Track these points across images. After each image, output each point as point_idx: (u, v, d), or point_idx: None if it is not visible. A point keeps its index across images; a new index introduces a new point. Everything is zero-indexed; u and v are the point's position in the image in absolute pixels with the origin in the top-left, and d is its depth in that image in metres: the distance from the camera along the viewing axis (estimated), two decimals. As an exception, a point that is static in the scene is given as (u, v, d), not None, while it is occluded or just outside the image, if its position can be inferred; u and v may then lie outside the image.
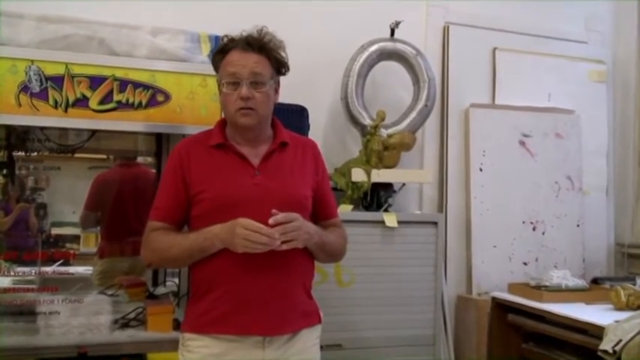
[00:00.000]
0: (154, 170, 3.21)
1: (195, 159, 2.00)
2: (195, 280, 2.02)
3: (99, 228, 3.26)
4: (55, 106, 2.40)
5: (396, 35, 3.42)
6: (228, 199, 1.92)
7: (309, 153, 2.11)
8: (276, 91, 2.06)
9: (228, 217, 1.87)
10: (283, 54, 2.04)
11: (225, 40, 2.03)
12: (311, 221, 2.01)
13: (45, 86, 2.39)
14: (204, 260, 1.94)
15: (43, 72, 2.38)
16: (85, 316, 2.45)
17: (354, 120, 3.35)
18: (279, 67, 2.05)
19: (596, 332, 2.69)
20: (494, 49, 3.85)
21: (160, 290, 2.97)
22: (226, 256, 1.89)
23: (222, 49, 2.01)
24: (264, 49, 1.99)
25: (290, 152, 2.05)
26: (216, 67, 2.05)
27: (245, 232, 1.80)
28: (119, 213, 3.20)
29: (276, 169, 1.99)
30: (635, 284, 3.14)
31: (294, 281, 1.98)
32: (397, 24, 3.40)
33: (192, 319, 2.00)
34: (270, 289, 1.91)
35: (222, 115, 2.11)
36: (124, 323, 2.54)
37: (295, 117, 3.09)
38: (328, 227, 2.12)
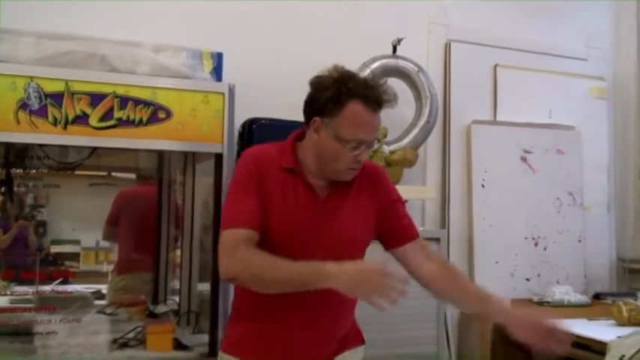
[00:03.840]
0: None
1: (267, 174, 1.85)
2: (240, 298, 1.94)
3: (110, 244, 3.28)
4: (55, 123, 2.38)
5: (398, 52, 3.43)
6: (289, 230, 1.83)
7: (375, 182, 2.00)
8: None
9: (287, 247, 1.78)
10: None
11: (338, 75, 1.82)
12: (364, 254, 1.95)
13: (44, 103, 2.38)
14: None
15: (42, 89, 2.37)
16: (83, 335, 2.43)
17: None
18: None
19: (599, 348, 2.68)
20: (496, 65, 3.86)
21: (161, 309, 2.95)
22: None
23: (339, 96, 1.79)
24: (383, 107, 1.84)
25: (356, 187, 1.93)
26: (326, 110, 1.81)
27: (384, 281, 1.60)
28: (140, 229, 3.21)
29: (340, 205, 1.89)
30: (637, 299, 3.14)
31: (348, 316, 1.95)
32: (399, 41, 3.41)
33: (232, 340, 1.94)
34: (321, 326, 1.87)
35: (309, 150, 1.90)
36: (122, 343, 2.51)
37: (297, 134, 3.08)
38: (416, 253, 1.98)
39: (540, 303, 3.30)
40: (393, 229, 1.99)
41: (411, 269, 1.99)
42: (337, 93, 1.79)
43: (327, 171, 1.87)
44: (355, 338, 2.02)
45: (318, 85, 1.85)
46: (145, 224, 3.29)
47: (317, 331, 1.88)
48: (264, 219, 1.82)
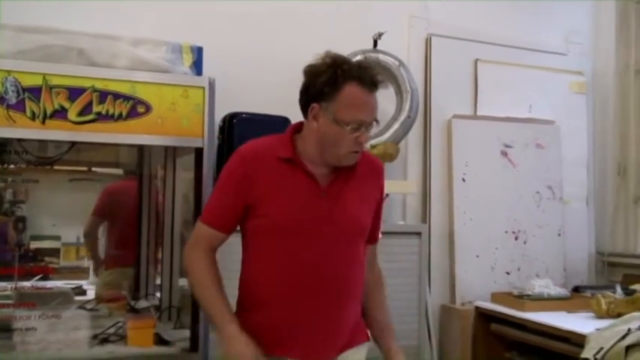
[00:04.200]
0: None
1: (261, 169, 1.88)
2: (245, 290, 1.94)
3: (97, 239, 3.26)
4: (33, 117, 2.36)
5: (379, 47, 3.43)
6: (290, 219, 1.85)
7: (376, 175, 2.03)
8: None
9: (289, 236, 1.83)
10: None
11: (332, 61, 1.85)
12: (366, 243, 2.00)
13: (22, 97, 2.35)
14: (259, 272, 1.90)
15: (20, 83, 2.34)
16: (63, 331, 2.41)
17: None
18: None
19: (578, 340, 2.70)
20: (476, 60, 3.87)
21: (142, 304, 2.94)
22: (284, 274, 1.85)
23: (336, 80, 1.82)
24: (378, 87, 1.88)
25: (358, 173, 1.94)
26: (323, 95, 1.84)
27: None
28: (125, 224, 3.20)
29: (343, 191, 1.90)
30: (615, 292, 3.16)
31: (352, 305, 1.94)
32: (380, 35, 3.42)
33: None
34: (324, 314, 1.86)
35: (310, 137, 1.92)
36: (103, 338, 2.50)
37: (279, 127, 3.05)
38: (368, 255, 2.04)
39: (520, 296, 3.33)
40: (373, 226, 2.02)
41: None
42: (333, 76, 1.82)
43: (329, 157, 1.88)
44: (362, 334, 2.02)
45: (313, 71, 1.87)
46: (129, 219, 3.28)
47: (326, 320, 1.87)
48: (242, 215, 1.89)
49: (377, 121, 1.90)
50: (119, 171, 3.38)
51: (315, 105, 1.85)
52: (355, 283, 1.93)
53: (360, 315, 2.02)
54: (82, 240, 3.30)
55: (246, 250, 1.95)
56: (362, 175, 1.95)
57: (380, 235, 2.11)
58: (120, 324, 2.56)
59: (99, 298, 2.94)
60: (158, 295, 3.06)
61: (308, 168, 1.89)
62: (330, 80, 1.82)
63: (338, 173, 1.91)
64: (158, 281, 3.15)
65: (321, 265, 1.85)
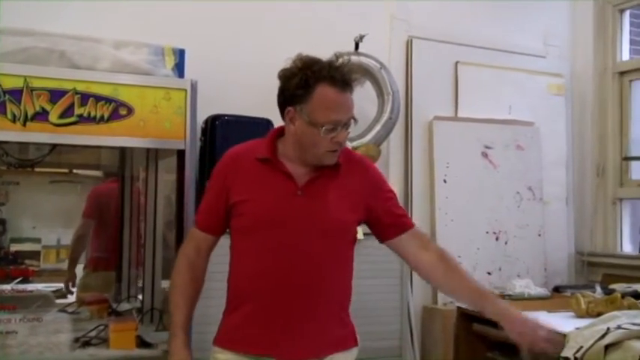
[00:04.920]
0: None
1: (240, 170, 1.93)
2: (229, 293, 1.97)
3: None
4: (14, 120, 2.35)
5: (361, 49, 3.44)
6: (266, 217, 1.88)
7: (363, 173, 2.02)
8: None
9: (266, 235, 1.86)
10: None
11: (302, 63, 1.87)
12: (353, 244, 2.00)
13: (3, 100, 2.34)
14: (238, 274, 1.93)
15: (0, 85, 2.33)
16: (44, 334, 2.39)
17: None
18: None
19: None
20: (457, 62, 3.90)
21: (124, 307, 2.93)
22: (259, 273, 1.88)
23: (307, 81, 1.84)
24: (353, 84, 1.89)
25: (342, 173, 1.95)
26: (296, 98, 1.86)
27: None
28: (111, 226, 3.20)
29: (322, 191, 1.91)
30: (594, 292, 3.19)
31: (329, 306, 1.93)
32: (361, 38, 3.43)
33: (221, 333, 1.96)
34: (299, 313, 1.87)
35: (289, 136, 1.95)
36: (85, 342, 2.49)
37: (261, 129, 3.07)
38: (412, 244, 2.02)
39: (502, 296, 3.34)
40: (386, 221, 2.01)
41: (408, 260, 2.06)
42: (304, 79, 1.83)
43: (309, 158, 1.90)
44: (349, 339, 2.01)
45: (285, 75, 1.89)
46: (112, 221, 3.28)
47: (301, 319, 1.87)
48: (226, 216, 1.94)
49: (355, 120, 1.91)
50: (100, 173, 3.37)
51: (290, 108, 1.88)
52: (333, 282, 1.93)
53: (349, 317, 2.01)
54: (62, 242, 3.28)
55: (230, 251, 1.98)
56: (346, 173, 1.96)
57: (411, 222, 2.06)
58: (102, 327, 2.54)
59: (80, 301, 2.93)
60: (140, 297, 3.05)
61: (286, 167, 1.91)
62: (302, 83, 1.84)
63: (318, 172, 1.92)
64: (140, 283, 3.14)
65: (295, 263, 1.86)
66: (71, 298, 3.08)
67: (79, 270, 3.25)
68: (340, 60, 1.91)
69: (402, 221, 2.04)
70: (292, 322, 1.87)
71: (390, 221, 2.01)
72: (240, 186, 1.91)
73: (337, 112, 1.84)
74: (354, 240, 2.01)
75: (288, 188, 1.89)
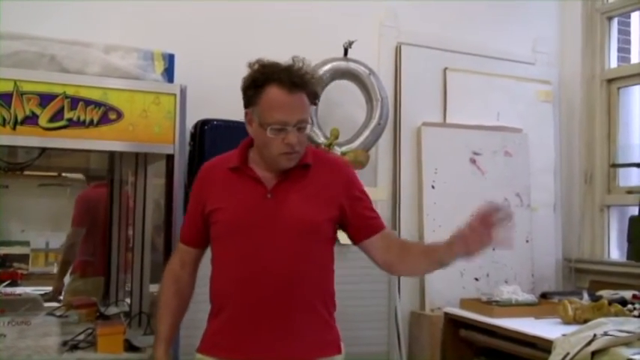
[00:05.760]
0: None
1: (214, 181, 2.00)
2: (210, 300, 2.00)
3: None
4: (3, 123, 2.35)
5: (349, 55, 3.46)
6: (237, 222, 1.91)
7: (336, 173, 2.03)
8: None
9: (239, 239, 1.90)
10: (318, 87, 2.01)
11: (257, 66, 1.92)
12: (331, 244, 2.01)
13: (-7, 103, 2.34)
14: (216, 280, 1.97)
15: (-10, 89, 2.34)
16: (32, 338, 2.39)
17: (308, 138, 3.36)
18: (314, 99, 1.98)
19: (545, 346, 2.73)
20: (445, 69, 3.92)
21: (112, 310, 2.93)
22: (233, 278, 1.91)
23: (258, 83, 1.89)
24: (306, 87, 1.90)
25: (312, 174, 1.97)
26: (250, 100, 1.91)
27: None
28: (99, 232, 3.20)
29: (291, 192, 1.93)
30: (581, 298, 3.21)
31: (308, 307, 1.93)
32: (350, 44, 3.44)
33: (204, 340, 1.99)
34: (277, 315, 1.88)
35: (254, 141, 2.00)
36: (73, 345, 2.48)
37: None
38: (380, 246, 2.03)
39: (489, 302, 3.36)
40: (359, 223, 2.02)
41: (377, 261, 2.07)
42: (255, 81, 1.89)
43: (267, 160, 1.94)
44: (333, 346, 2.00)
45: (244, 79, 1.94)
46: (100, 225, 3.28)
47: (273, 322, 1.88)
48: (205, 228, 2.00)
49: (309, 122, 1.92)
50: (90, 177, 3.37)
51: (247, 110, 1.93)
52: (311, 282, 1.94)
53: (331, 324, 2.01)
54: (51, 246, 3.28)
55: (211, 261, 2.03)
56: (317, 173, 1.98)
57: (381, 224, 2.07)
58: (90, 330, 2.54)
59: (68, 305, 2.92)
60: (128, 301, 3.05)
61: (255, 173, 1.95)
62: (253, 84, 1.90)
63: (287, 175, 1.95)
64: (128, 287, 3.14)
65: (270, 266, 1.88)
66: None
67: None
68: (297, 64, 1.93)
69: (373, 223, 2.05)
70: (271, 325, 1.88)
71: (361, 223, 2.03)
72: (214, 196, 1.97)
73: (283, 112, 1.86)
74: (331, 239, 2.02)
75: (258, 192, 1.93)
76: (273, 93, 1.86)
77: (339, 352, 2.02)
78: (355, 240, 2.06)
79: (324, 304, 1.99)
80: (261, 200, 1.92)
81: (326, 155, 2.12)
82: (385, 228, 2.08)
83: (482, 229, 1.85)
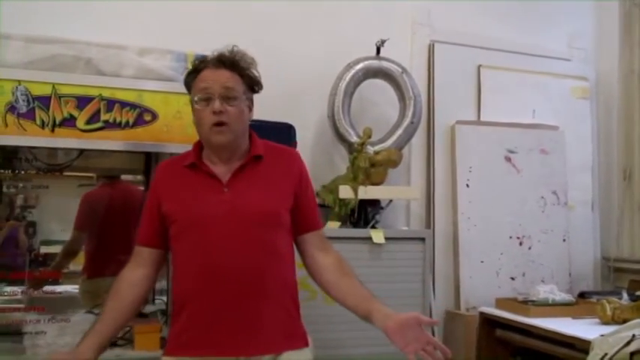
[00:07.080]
0: (141, 188, 3.21)
1: (168, 180, 2.01)
2: (172, 300, 2.03)
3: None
4: (42, 126, 2.42)
5: (382, 53, 3.45)
6: (195, 218, 1.91)
7: (289, 162, 2.06)
8: (250, 108, 2.03)
9: (198, 235, 1.89)
10: (255, 72, 2.01)
11: (197, 61, 2.01)
12: (290, 234, 2.01)
13: (32, 106, 2.41)
14: (175, 279, 1.97)
15: (30, 92, 2.40)
16: (71, 335, 2.44)
17: (341, 137, 3.37)
18: (252, 84, 2.02)
19: (583, 346, 2.69)
20: (479, 66, 3.89)
21: (149, 308, 2.97)
22: (196, 274, 1.90)
23: (194, 70, 1.98)
24: (236, 66, 1.96)
25: (266, 165, 2.00)
26: (188, 88, 2.01)
27: None
28: (106, 232, 3.21)
29: (247, 184, 1.95)
30: (621, 298, 3.16)
31: (270, 299, 1.92)
32: (383, 42, 3.43)
33: (169, 341, 1.98)
34: (240, 308, 1.87)
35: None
36: (111, 342, 2.53)
37: (282, 134, 3.10)
38: (314, 244, 2.06)
39: (525, 302, 3.33)
40: (300, 217, 2.03)
41: (304, 257, 2.07)
42: (192, 70, 1.99)
43: (205, 143, 1.98)
44: (300, 338, 2.01)
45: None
46: (125, 225, 3.26)
47: (242, 317, 1.88)
48: (162, 228, 1.98)
49: (238, 97, 1.94)
50: (127, 177, 3.41)
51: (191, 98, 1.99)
52: (272, 273, 1.92)
53: (296, 316, 2.01)
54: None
55: (171, 263, 2.04)
56: (269, 165, 2.00)
57: (320, 223, 2.10)
58: (127, 328, 2.59)
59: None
60: (164, 299, 3.09)
61: (209, 168, 1.97)
62: (190, 73, 2.00)
63: (241, 168, 1.96)
64: (165, 285, 3.18)
65: (229, 259, 1.87)
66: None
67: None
68: (228, 48, 2.00)
69: (313, 219, 2.07)
70: (236, 319, 1.87)
71: (303, 217, 2.04)
72: (169, 195, 1.97)
73: (206, 81, 1.93)
74: (290, 229, 2.02)
75: (214, 187, 1.94)
76: (203, 73, 1.95)
77: (306, 344, 2.02)
78: (296, 233, 2.05)
79: (290, 296, 2.00)
80: (218, 195, 1.92)
81: (277, 146, 2.11)
82: (321, 228, 2.11)
83: (419, 333, 1.87)
